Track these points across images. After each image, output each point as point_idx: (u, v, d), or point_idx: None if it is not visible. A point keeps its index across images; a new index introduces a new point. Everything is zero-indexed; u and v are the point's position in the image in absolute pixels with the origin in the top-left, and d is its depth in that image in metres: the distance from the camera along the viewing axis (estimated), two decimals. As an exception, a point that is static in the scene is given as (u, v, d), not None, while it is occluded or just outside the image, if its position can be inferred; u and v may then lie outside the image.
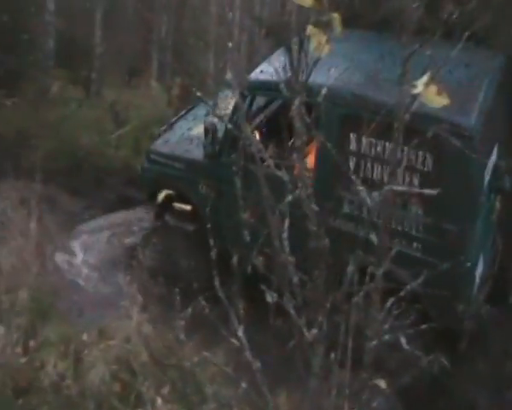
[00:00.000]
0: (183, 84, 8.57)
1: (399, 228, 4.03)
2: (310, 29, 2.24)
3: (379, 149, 3.99)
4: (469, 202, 3.86)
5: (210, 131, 4.65)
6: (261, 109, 5.16)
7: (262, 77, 4.63)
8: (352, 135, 4.07)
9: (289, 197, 2.00)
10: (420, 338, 3.09)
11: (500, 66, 4.47)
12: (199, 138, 5.01)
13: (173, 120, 5.83)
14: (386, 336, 2.17)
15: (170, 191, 2.18)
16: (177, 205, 2.17)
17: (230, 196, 4.12)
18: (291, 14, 2.23)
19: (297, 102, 1.87)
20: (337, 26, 2.26)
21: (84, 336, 4.01)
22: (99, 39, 10.12)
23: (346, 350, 2.26)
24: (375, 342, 2.22)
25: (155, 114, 7.99)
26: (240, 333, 2.14)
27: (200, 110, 5.55)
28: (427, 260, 3.90)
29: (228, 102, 5.32)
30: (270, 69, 4.35)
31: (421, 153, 3.85)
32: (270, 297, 2.04)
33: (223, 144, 4.73)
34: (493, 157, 4.26)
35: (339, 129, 4.12)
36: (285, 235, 2.06)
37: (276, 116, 4.96)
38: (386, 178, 3.70)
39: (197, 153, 4.94)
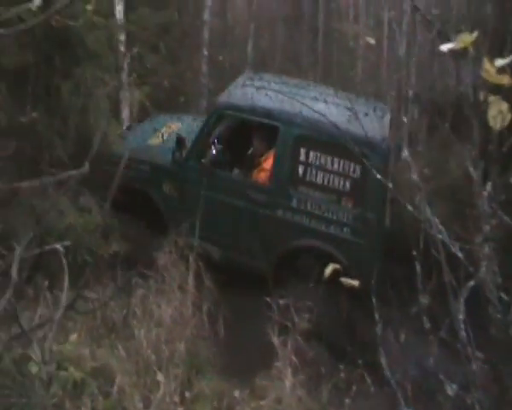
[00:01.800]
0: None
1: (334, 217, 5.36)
2: (489, 97, 2.13)
3: (322, 160, 5.33)
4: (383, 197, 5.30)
5: (181, 141, 5.70)
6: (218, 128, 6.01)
7: (231, 100, 5.69)
8: (302, 149, 5.36)
9: (471, 282, 1.88)
10: None
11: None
12: (158, 147, 6.09)
13: (128, 126, 6.86)
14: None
15: (337, 266, 2.20)
16: (344, 280, 2.16)
17: (192, 195, 5.52)
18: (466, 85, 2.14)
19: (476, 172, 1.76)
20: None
21: (236, 393, 4.09)
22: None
23: None
24: None
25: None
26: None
27: (158, 123, 6.61)
28: (354, 240, 5.29)
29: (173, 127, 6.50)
30: (236, 94, 5.74)
31: (352, 164, 5.22)
32: (451, 389, 1.90)
33: (190, 152, 5.71)
34: None
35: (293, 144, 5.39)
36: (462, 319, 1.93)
37: (233, 134, 6.12)
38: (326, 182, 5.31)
39: (160, 158, 5.89)
